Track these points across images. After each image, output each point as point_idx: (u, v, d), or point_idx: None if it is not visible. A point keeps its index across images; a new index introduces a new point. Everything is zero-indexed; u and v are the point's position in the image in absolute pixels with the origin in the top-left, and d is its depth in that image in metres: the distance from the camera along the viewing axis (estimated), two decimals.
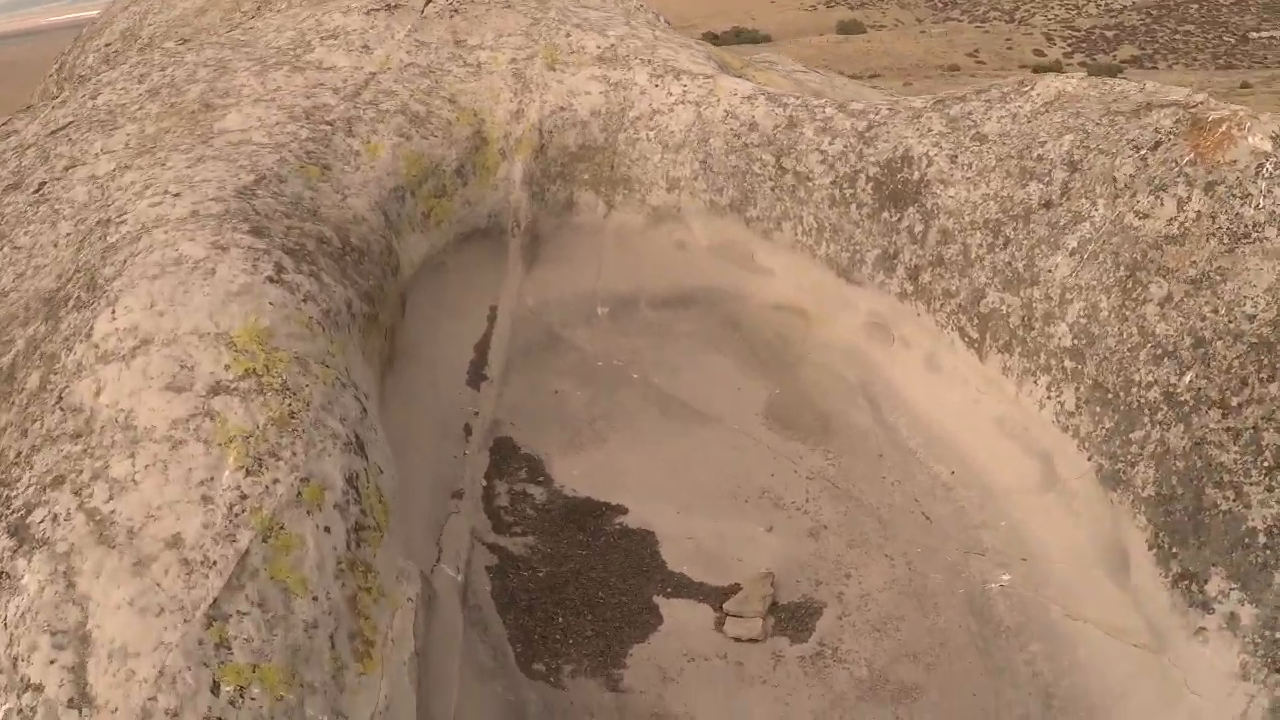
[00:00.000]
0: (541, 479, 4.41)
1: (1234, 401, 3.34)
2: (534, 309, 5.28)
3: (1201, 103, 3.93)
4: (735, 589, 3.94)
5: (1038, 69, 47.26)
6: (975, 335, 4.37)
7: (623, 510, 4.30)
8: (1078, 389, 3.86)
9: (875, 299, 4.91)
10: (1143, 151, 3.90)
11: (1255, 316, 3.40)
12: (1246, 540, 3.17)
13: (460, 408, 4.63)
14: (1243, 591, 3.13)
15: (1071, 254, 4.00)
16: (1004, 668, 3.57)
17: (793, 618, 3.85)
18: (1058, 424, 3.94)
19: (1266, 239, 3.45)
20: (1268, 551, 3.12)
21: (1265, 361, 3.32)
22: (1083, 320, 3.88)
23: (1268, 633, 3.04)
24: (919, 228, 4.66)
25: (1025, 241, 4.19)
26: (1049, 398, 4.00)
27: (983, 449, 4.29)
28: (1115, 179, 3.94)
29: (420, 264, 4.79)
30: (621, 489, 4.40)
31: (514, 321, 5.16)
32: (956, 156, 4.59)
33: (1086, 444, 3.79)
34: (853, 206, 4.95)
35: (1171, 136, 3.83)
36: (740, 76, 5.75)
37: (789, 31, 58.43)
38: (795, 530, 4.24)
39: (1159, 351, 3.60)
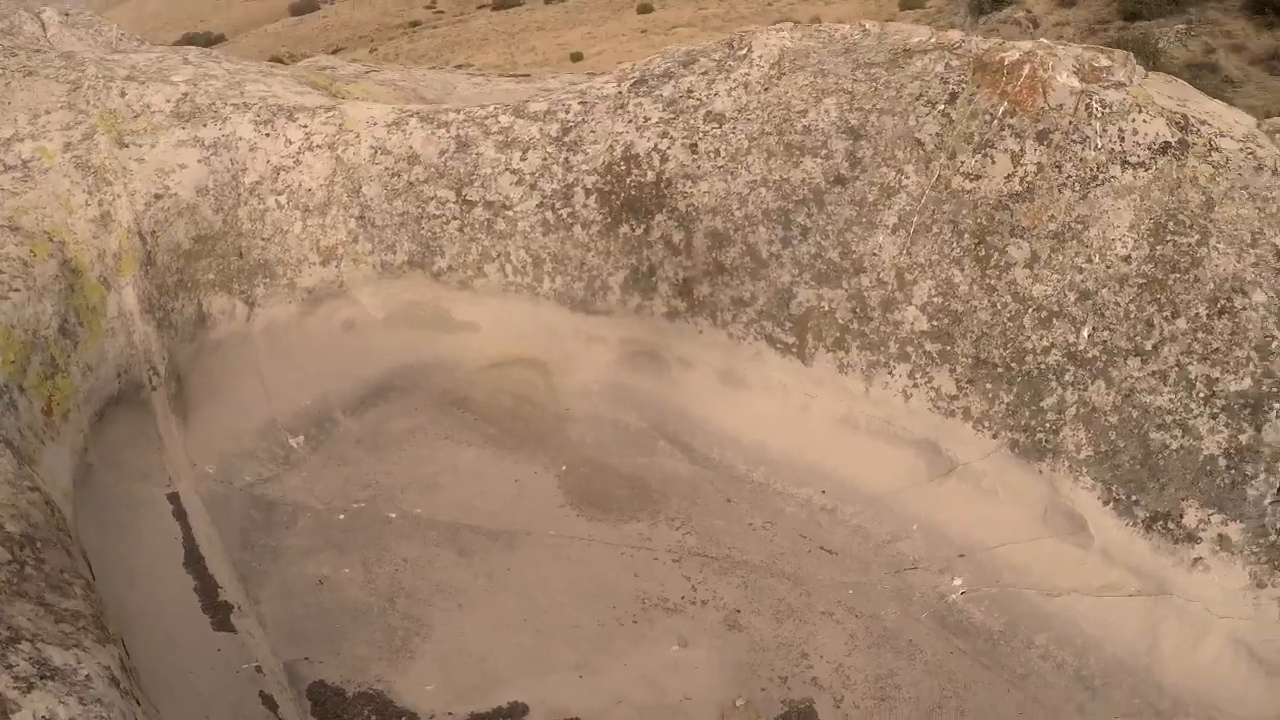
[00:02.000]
0: None
1: (1148, 345, 3.33)
2: (218, 475, 3.72)
3: (963, 41, 3.77)
4: None
5: (498, 6, 45.91)
6: (791, 340, 3.91)
7: (523, 709, 3.23)
8: (953, 370, 3.63)
9: (631, 325, 4.21)
10: (940, 106, 3.65)
11: (1129, 256, 3.38)
12: (1208, 468, 3.21)
13: (234, 672, 3.11)
14: (1222, 513, 3.18)
15: (894, 231, 3.69)
16: (1026, 673, 3.32)
17: None
18: (937, 410, 3.69)
19: (1114, 177, 3.43)
20: (1232, 471, 3.18)
21: (1162, 299, 3.32)
22: (937, 299, 3.62)
23: (1262, 539, 3.12)
24: (678, 236, 4.02)
25: (829, 227, 3.79)
26: (915, 385, 3.72)
27: (840, 455, 3.92)
28: (920, 141, 3.66)
29: (73, 488, 3.05)
30: (497, 683, 3.30)
31: (207, 505, 3.59)
32: (696, 145, 3.99)
33: (986, 423, 3.59)
34: (576, 227, 4.13)
35: (964, 85, 3.63)
36: (344, 97, 4.47)
37: (242, 26, 52.76)
38: (710, 630, 3.53)
39: (1044, 314, 3.47)
